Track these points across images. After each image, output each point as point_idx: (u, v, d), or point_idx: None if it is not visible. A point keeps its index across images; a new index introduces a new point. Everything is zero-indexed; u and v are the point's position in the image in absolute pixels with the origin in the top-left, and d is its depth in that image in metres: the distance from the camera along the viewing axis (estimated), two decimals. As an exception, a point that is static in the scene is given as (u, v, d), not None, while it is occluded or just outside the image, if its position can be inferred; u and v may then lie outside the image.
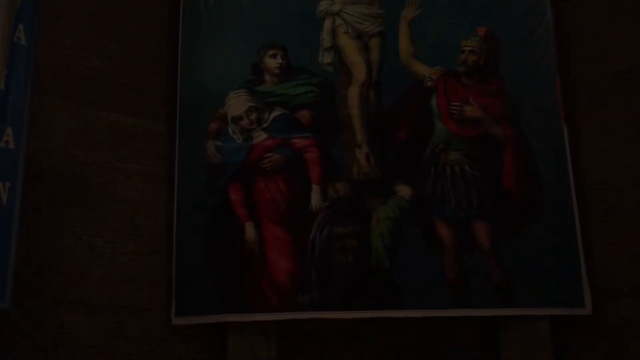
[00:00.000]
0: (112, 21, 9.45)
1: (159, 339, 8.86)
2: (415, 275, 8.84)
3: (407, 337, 9.08)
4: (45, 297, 8.49)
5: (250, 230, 9.04)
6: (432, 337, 9.08)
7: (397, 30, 9.49)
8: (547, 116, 9.26)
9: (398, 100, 9.34)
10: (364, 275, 8.91)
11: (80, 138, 8.98)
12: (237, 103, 9.36)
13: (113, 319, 8.72)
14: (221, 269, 8.95)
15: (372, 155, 9.17)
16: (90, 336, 8.58)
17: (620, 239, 8.86)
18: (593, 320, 8.69)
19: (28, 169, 8.35)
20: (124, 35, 9.49)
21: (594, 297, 8.68)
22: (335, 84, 9.42)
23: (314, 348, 9.12)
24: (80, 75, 9.08)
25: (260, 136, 9.31)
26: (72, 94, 8.98)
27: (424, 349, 9.07)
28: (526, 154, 9.12)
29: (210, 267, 8.97)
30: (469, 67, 9.34)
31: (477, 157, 9.11)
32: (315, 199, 9.10)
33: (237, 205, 9.10)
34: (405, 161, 9.18)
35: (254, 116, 9.31)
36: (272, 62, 9.48)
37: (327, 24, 9.56)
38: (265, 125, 9.30)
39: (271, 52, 9.49)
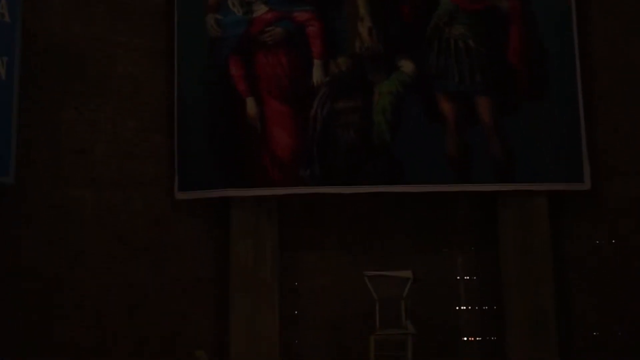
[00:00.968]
0: None
1: (163, 214, 9.03)
2: (416, 150, 8.86)
3: (407, 212, 9.23)
4: (49, 173, 8.62)
5: (251, 105, 9.01)
6: (432, 213, 9.22)
7: None
8: (555, -11, 9.01)
9: (402, -28, 9.08)
10: (365, 150, 8.94)
11: (77, 12, 8.82)
12: (236, -26, 9.14)
13: (117, 194, 8.87)
14: (223, 144, 8.99)
15: (374, 29, 8.99)
16: (96, 211, 8.76)
17: (624, 116, 8.81)
18: (591, 197, 8.77)
19: (26, 46, 8.27)
20: None
21: (593, 174, 8.72)
22: (338, -45, 9.13)
23: (315, 224, 9.29)
24: (75, -53, 8.84)
25: (260, 9, 9.10)
26: (67, -34, 8.77)
27: (424, 224, 9.24)
28: (532, 29, 8.90)
29: (212, 142, 9.00)
30: (475, -63, 9.01)
31: (481, 32, 8.92)
32: (316, 73, 9.00)
33: (238, 80, 9.03)
34: (409, 35, 8.99)
35: (253, -12, 9.10)
36: None
37: None
38: (265, -3, 9.11)
39: None
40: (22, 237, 8.40)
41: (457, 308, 9.17)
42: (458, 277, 9.23)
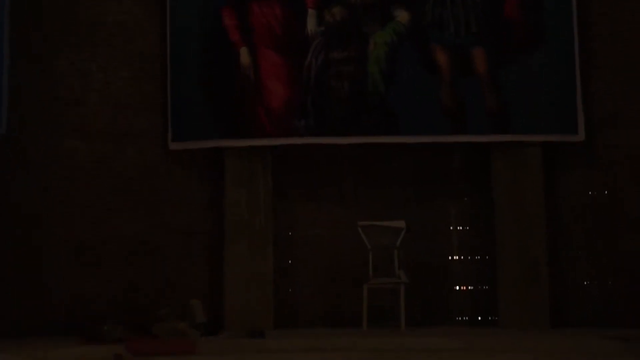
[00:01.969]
0: None
1: (156, 163, 9.03)
2: (410, 101, 8.83)
3: (401, 162, 9.24)
4: (42, 124, 8.60)
5: (244, 56, 8.93)
6: (426, 163, 9.24)
7: None
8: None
9: None
10: (360, 101, 8.91)
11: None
12: None
13: (110, 144, 8.85)
14: (216, 95, 8.93)
15: (370, -23, 8.90)
16: (89, 162, 8.75)
17: (619, 67, 8.75)
18: (585, 148, 8.78)
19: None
20: None
21: (587, 125, 8.71)
22: None
23: (309, 175, 9.30)
24: None
25: (253, -42, 8.98)
26: None
27: (418, 174, 9.26)
28: (530, -22, 8.83)
29: (206, 92, 8.94)
30: None
31: (478, -18, 8.84)
32: (310, 23, 8.91)
33: (231, 30, 8.93)
34: (405, -16, 8.90)
35: None
36: None
37: None
38: (257, -55, 8.95)
39: None
40: (17, 186, 8.40)
41: (450, 258, 9.25)
42: (451, 227, 9.29)
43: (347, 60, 8.93)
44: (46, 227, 8.49)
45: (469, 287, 9.19)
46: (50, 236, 8.50)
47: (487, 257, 9.12)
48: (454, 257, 9.25)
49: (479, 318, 9.09)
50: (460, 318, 9.13)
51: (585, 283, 8.89)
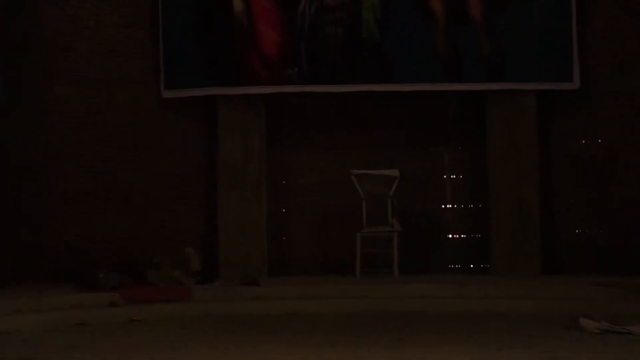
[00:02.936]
0: None
1: (148, 111, 8.96)
2: (405, 48, 8.75)
3: (395, 110, 9.19)
4: (33, 71, 8.46)
5: (237, 2, 8.81)
6: (420, 111, 9.19)
7: None
8: None
9: None
10: (354, 48, 8.82)
11: None
12: None
13: (102, 91, 8.76)
14: (209, 42, 8.82)
15: None
16: (81, 108, 8.66)
17: (615, 16, 8.68)
18: (580, 96, 8.75)
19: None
20: None
21: (582, 74, 8.65)
22: None
23: (303, 122, 9.26)
24: None
25: None
26: None
27: (412, 122, 9.22)
28: None
29: (198, 39, 8.83)
30: None
31: None
32: (305, -32, 8.79)
33: (224, -25, 8.80)
34: None
35: None
36: None
37: None
38: None
39: None
40: (5, 135, 8.32)
41: (443, 206, 9.27)
42: (445, 176, 9.29)
43: (341, 7, 8.82)
44: (37, 177, 8.42)
45: (462, 236, 9.24)
46: (42, 185, 8.44)
47: (480, 206, 9.15)
48: (447, 206, 9.28)
49: (471, 266, 9.16)
50: (452, 266, 9.19)
51: (577, 231, 8.95)
